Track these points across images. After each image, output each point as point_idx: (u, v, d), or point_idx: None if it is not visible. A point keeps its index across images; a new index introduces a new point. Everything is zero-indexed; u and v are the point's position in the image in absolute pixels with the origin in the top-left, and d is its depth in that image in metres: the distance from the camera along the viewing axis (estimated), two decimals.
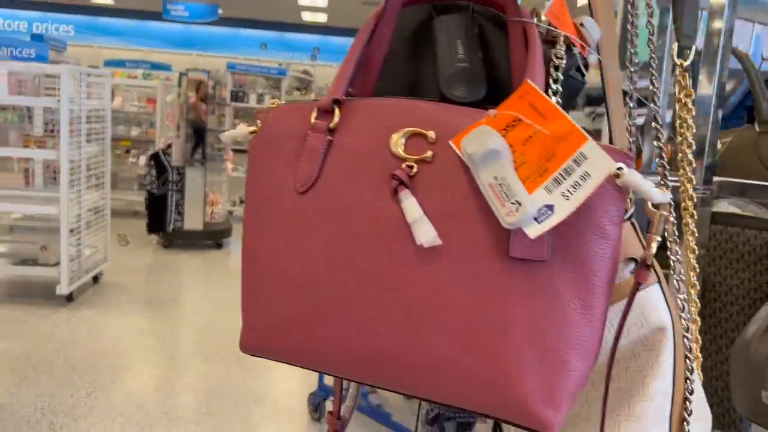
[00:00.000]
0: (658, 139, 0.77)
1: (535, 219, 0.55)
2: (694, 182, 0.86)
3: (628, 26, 0.83)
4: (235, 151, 7.42)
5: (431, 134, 0.62)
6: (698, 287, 0.85)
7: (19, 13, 13.22)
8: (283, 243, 0.66)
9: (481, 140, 0.57)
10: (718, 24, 1.05)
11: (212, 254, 6.30)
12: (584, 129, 0.58)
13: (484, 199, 0.58)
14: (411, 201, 0.60)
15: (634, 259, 0.72)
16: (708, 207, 1.17)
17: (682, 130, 0.87)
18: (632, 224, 0.72)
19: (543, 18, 0.66)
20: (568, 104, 0.70)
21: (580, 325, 0.58)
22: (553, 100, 0.65)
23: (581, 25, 0.67)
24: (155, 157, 6.12)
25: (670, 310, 0.72)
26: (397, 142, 0.62)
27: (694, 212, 0.86)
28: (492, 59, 0.69)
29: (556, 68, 0.65)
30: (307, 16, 13.86)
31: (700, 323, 0.85)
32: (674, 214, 0.76)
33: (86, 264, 4.75)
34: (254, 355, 0.69)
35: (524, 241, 0.56)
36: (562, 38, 0.65)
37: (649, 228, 0.59)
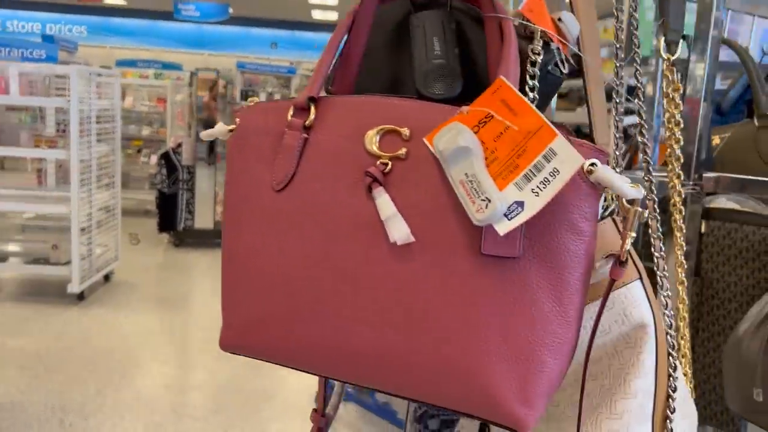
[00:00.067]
0: (642, 134, 0.76)
1: (506, 216, 0.55)
2: (682, 178, 0.85)
3: (613, 21, 0.82)
4: None
5: (405, 131, 0.61)
6: (686, 284, 0.84)
7: (32, 15, 13.32)
8: (261, 240, 0.66)
9: (452, 137, 0.57)
10: (707, 15, 1.04)
11: None
12: (557, 124, 0.58)
13: (457, 196, 0.57)
14: (384, 198, 0.60)
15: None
16: (698, 204, 1.16)
17: (670, 126, 0.86)
18: (614, 221, 0.71)
19: (519, 13, 0.66)
20: (548, 100, 0.70)
21: (554, 323, 0.58)
22: (531, 95, 0.65)
23: (559, 20, 0.67)
24: (166, 157, 6.16)
25: (652, 307, 0.71)
26: (372, 139, 0.62)
27: (682, 208, 0.85)
28: (470, 55, 0.69)
29: (533, 64, 0.65)
30: (317, 15, 13.87)
31: (688, 320, 0.85)
32: (658, 210, 0.76)
33: (97, 263, 4.79)
34: (234, 353, 0.69)
35: (496, 238, 0.56)
36: (539, 33, 0.65)
37: (623, 224, 0.59)
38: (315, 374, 0.67)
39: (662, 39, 0.84)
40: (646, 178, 0.75)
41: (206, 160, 6.34)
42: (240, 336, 0.68)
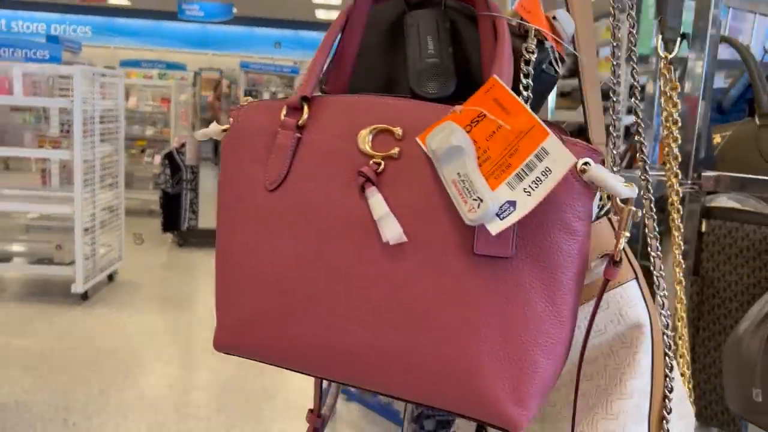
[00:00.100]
0: (638, 133, 0.76)
1: (498, 215, 0.54)
2: (680, 177, 0.85)
3: (610, 19, 0.82)
4: None
5: (398, 131, 0.61)
6: (684, 283, 0.84)
7: (37, 15, 13.36)
8: (254, 240, 0.66)
9: (445, 136, 0.57)
10: (706, 13, 1.03)
11: None
12: (550, 123, 0.57)
13: (450, 196, 0.57)
14: (377, 198, 0.60)
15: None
16: (696, 203, 1.15)
17: (668, 124, 0.86)
18: (609, 220, 0.71)
19: (515, 12, 0.66)
20: (542, 99, 0.70)
21: (547, 323, 0.57)
22: (525, 94, 0.65)
23: (554, 18, 0.66)
24: (169, 157, 6.16)
25: (648, 307, 0.70)
26: (365, 138, 0.62)
27: (680, 207, 0.84)
28: (465, 54, 0.69)
29: (527, 62, 0.64)
30: (321, 14, 13.87)
31: (686, 320, 0.84)
32: (654, 209, 0.75)
33: (101, 263, 4.80)
34: (227, 354, 0.69)
35: (488, 238, 0.56)
36: (533, 32, 0.64)
37: (618, 224, 0.59)
38: (309, 375, 0.67)
39: (659, 37, 0.84)
40: (642, 177, 0.75)
41: (212, 160, 6.35)
42: (233, 336, 0.67)
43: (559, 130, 0.58)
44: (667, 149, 0.86)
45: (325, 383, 0.81)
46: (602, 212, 0.71)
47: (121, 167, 5.11)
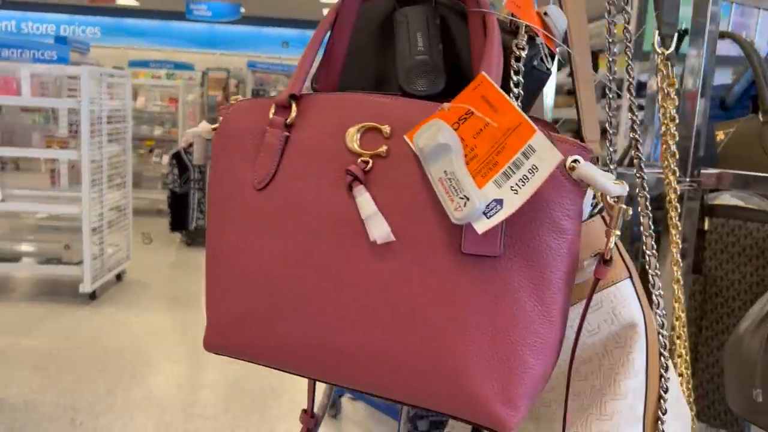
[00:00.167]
0: (633, 130, 0.75)
1: (485, 214, 0.54)
2: (678, 174, 0.84)
3: (606, 15, 0.81)
4: None
5: (386, 129, 0.61)
6: (682, 282, 0.83)
7: (46, 17, 13.43)
8: (243, 239, 0.65)
9: (432, 134, 0.56)
10: (704, 8, 1.02)
11: None
12: (538, 120, 0.56)
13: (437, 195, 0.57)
14: (365, 197, 0.59)
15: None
16: (695, 201, 1.14)
17: (665, 121, 0.84)
18: (603, 219, 0.70)
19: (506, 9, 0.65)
20: (534, 96, 0.69)
21: (536, 323, 0.57)
22: (515, 91, 0.64)
23: (545, 14, 0.66)
24: (177, 156, 6.18)
25: (642, 306, 0.70)
26: (353, 137, 0.62)
27: (678, 205, 0.83)
28: (455, 50, 0.68)
29: (517, 59, 0.63)
30: None
31: (684, 320, 0.83)
32: (650, 207, 0.74)
33: (109, 262, 4.82)
34: (217, 353, 0.69)
35: (475, 237, 0.55)
36: (523, 28, 0.64)
37: (609, 222, 0.58)
38: (298, 375, 0.67)
39: (656, 33, 0.83)
40: (637, 175, 0.74)
41: None
42: (222, 335, 0.67)
43: (548, 127, 0.57)
44: (664, 146, 0.85)
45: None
46: (596, 210, 0.70)
47: (129, 167, 5.13)
